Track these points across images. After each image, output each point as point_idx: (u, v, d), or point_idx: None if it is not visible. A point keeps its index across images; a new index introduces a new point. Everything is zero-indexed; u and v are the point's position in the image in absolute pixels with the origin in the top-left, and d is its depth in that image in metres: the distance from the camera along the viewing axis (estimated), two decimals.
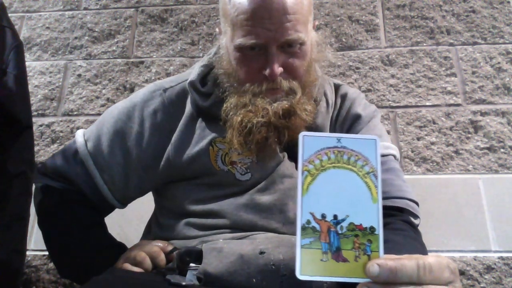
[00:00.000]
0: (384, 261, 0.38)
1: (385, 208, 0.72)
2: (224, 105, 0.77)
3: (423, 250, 0.67)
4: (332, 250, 0.40)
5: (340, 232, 0.41)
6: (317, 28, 0.84)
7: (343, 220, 0.41)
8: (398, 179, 0.78)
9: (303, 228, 0.41)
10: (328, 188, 0.42)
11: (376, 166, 0.43)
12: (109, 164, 0.81)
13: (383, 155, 0.80)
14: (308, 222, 0.41)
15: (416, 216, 0.76)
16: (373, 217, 0.41)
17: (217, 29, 0.85)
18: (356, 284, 0.40)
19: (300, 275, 0.39)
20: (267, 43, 0.72)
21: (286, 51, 0.74)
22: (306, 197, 0.42)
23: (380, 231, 0.41)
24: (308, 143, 0.44)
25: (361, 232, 0.41)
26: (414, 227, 0.74)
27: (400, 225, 0.71)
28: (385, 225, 0.71)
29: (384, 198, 0.74)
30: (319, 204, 0.42)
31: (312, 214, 0.41)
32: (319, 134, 0.45)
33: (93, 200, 0.82)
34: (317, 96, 0.83)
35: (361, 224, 0.41)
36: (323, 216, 0.41)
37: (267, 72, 0.72)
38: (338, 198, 0.42)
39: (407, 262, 0.38)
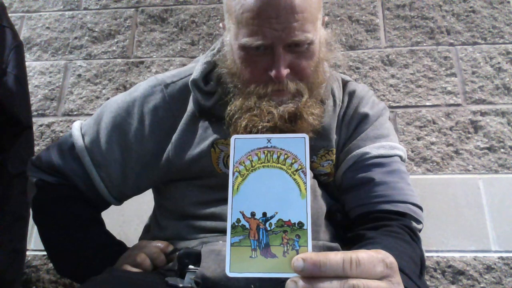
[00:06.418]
0: (309, 255, 0.39)
1: (386, 212, 0.73)
2: (228, 108, 0.74)
3: (413, 253, 0.66)
4: (261, 246, 0.41)
5: (269, 228, 0.42)
6: (326, 25, 0.81)
7: (272, 217, 0.42)
8: (402, 182, 0.76)
9: (233, 227, 0.42)
10: (258, 187, 0.43)
11: (305, 163, 0.44)
12: (106, 161, 0.79)
13: (388, 156, 0.78)
14: (238, 220, 0.42)
15: (419, 222, 0.75)
16: (301, 213, 0.42)
17: (220, 25, 0.82)
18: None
19: (230, 273, 0.40)
20: (273, 43, 0.69)
21: (293, 50, 0.71)
22: (236, 197, 0.43)
23: (308, 226, 0.41)
24: (239, 145, 0.45)
25: (290, 228, 0.41)
26: (414, 232, 0.72)
27: (397, 229, 0.70)
28: (383, 228, 0.70)
29: (385, 202, 0.73)
30: (249, 203, 0.43)
31: (242, 213, 0.42)
32: (250, 136, 0.47)
33: (89, 196, 0.81)
34: (325, 95, 0.80)
35: (289, 220, 0.42)
36: (253, 214, 0.42)
37: (272, 73, 0.69)
38: (268, 196, 0.43)
39: (332, 256, 0.38)
